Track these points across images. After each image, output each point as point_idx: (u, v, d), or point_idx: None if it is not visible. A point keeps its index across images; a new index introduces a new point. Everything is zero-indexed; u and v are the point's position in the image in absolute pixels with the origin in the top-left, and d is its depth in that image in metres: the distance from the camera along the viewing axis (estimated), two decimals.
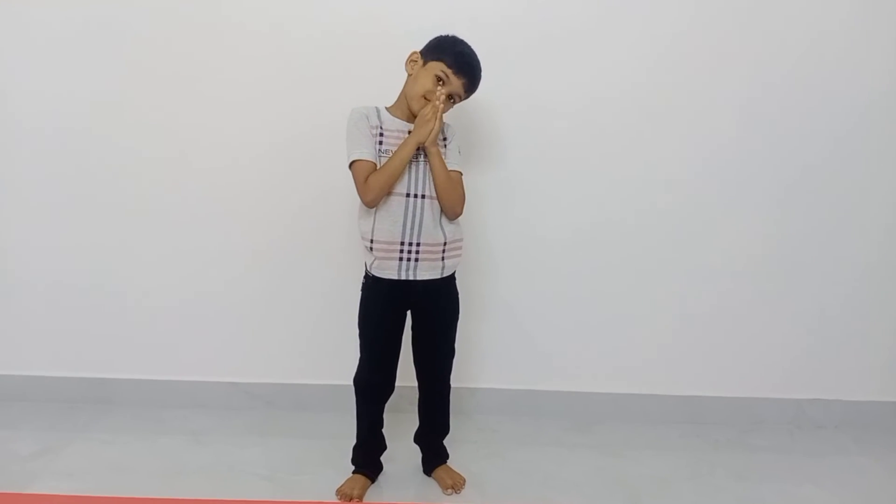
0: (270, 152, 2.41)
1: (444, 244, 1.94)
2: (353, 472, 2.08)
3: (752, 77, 2.38)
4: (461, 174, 1.97)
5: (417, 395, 2.11)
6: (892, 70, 2.38)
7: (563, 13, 2.34)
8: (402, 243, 1.89)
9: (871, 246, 2.50)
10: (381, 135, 1.89)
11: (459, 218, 1.98)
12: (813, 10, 2.35)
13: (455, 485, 2.07)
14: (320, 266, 2.47)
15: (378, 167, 1.87)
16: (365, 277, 1.99)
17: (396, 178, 1.85)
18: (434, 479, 2.12)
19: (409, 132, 1.88)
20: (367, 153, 1.87)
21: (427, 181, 1.90)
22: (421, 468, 2.17)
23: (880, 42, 2.37)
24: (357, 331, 2.01)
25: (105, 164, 2.41)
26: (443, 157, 1.91)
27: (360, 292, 2.00)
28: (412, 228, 1.89)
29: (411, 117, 1.91)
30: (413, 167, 1.89)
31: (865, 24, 2.35)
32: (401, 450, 2.20)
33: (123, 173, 2.42)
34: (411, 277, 1.92)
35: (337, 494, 2.02)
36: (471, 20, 2.24)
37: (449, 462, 2.16)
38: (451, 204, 1.92)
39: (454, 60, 1.86)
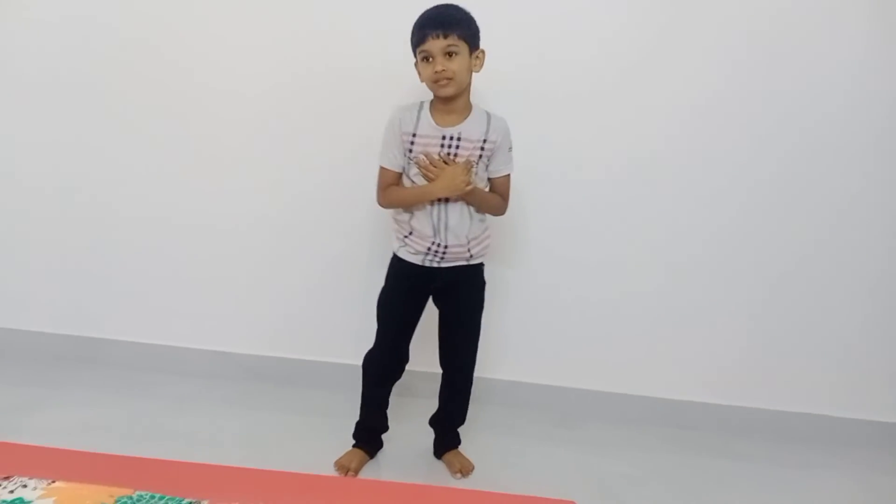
0: (278, 123, 2.38)
1: (469, 244, 1.95)
2: (353, 446, 2.08)
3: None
4: (509, 176, 1.97)
5: (440, 382, 2.11)
6: None
7: None
8: (434, 243, 1.91)
9: (864, 258, 2.48)
10: (412, 142, 1.87)
11: (482, 213, 1.97)
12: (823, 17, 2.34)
13: (463, 469, 2.07)
14: (317, 243, 2.44)
15: (398, 175, 1.90)
16: (393, 256, 2.00)
17: (411, 206, 1.90)
18: (443, 461, 2.12)
19: (443, 137, 1.85)
20: (393, 163, 1.89)
21: None
22: (423, 451, 2.16)
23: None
24: (374, 311, 2.02)
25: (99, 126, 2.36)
26: (485, 169, 1.91)
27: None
28: (440, 231, 1.90)
29: (448, 112, 1.86)
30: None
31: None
32: (406, 432, 2.19)
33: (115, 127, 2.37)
34: (435, 265, 1.94)
35: (335, 466, 2.02)
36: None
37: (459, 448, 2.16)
38: (496, 213, 1.99)
39: (415, 37, 1.80)
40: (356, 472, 2.02)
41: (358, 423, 2.10)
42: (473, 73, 1.85)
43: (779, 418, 2.57)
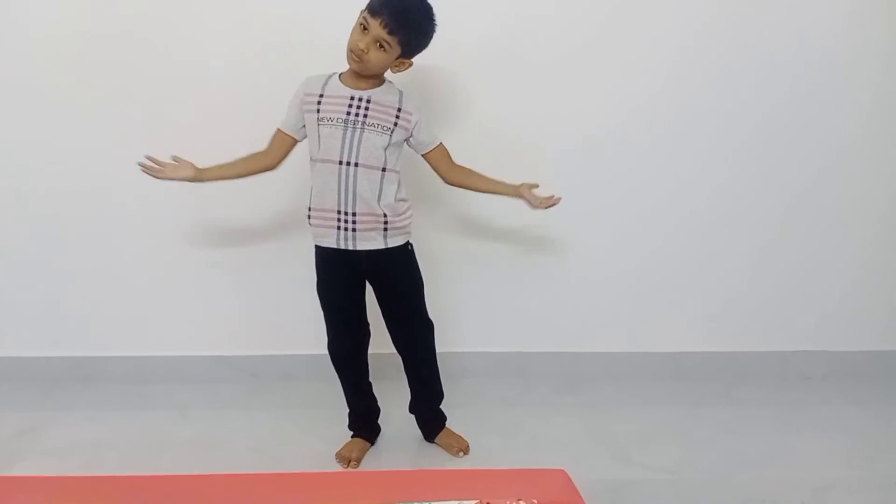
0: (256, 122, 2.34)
1: (385, 219, 1.87)
2: (352, 436, 2.09)
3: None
4: (442, 144, 1.96)
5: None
6: None
7: None
8: (339, 212, 1.85)
9: (859, 197, 2.49)
10: (320, 102, 1.84)
11: (402, 191, 1.93)
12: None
13: (462, 447, 2.08)
14: (300, 235, 2.43)
15: (295, 135, 1.89)
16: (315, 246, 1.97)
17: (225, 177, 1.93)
18: (439, 444, 2.13)
19: (352, 98, 1.83)
20: (286, 124, 1.90)
21: (360, 149, 1.82)
22: (418, 433, 2.17)
23: None
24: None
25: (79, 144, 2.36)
26: (416, 135, 1.90)
27: None
28: (346, 197, 1.83)
29: (357, 80, 1.84)
30: (348, 134, 1.82)
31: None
32: (400, 417, 2.19)
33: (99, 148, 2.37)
34: (351, 247, 1.88)
35: (336, 458, 2.03)
36: None
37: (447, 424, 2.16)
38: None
39: (374, 2, 1.75)
40: (358, 461, 2.03)
41: (349, 413, 2.11)
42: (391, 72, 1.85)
43: (777, 359, 2.59)
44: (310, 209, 1.88)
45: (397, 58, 1.80)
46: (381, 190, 1.86)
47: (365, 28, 1.75)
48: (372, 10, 1.74)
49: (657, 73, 2.37)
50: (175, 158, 1.86)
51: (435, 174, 2.00)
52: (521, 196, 1.96)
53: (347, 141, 1.82)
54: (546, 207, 1.95)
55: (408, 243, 1.97)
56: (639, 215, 2.48)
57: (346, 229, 1.85)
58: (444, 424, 2.15)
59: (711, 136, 2.43)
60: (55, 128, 2.35)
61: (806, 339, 2.58)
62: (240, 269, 2.48)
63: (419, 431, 2.16)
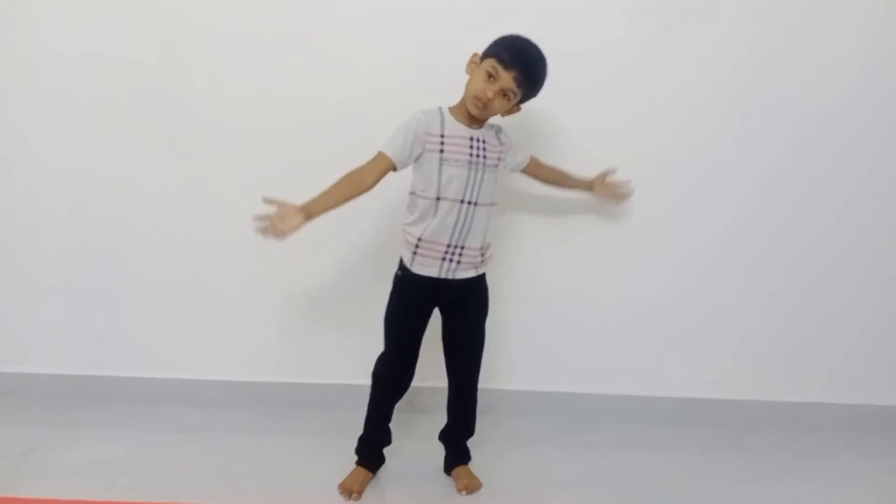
0: (276, 145, 2.39)
1: (482, 248, 1.98)
2: (356, 464, 2.09)
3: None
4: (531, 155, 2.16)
5: (447, 394, 2.11)
6: None
7: None
8: (449, 245, 1.92)
9: (872, 248, 2.49)
10: (443, 143, 1.88)
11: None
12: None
13: (469, 486, 2.07)
14: (316, 264, 2.46)
15: (399, 165, 1.87)
16: (400, 270, 1.99)
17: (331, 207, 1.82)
18: (452, 477, 2.12)
19: (472, 138, 1.89)
20: (398, 154, 1.86)
21: (482, 189, 1.91)
22: (430, 468, 2.16)
23: None
24: (376, 330, 2.03)
25: (95, 166, 2.40)
26: (512, 159, 2.07)
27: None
28: (460, 233, 1.91)
29: (471, 120, 1.91)
30: (472, 173, 1.89)
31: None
32: (413, 449, 2.21)
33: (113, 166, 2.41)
34: (450, 277, 1.95)
35: (339, 489, 2.02)
36: None
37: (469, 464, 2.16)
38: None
39: (505, 53, 1.82)
40: (360, 493, 2.02)
41: (362, 438, 2.10)
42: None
43: (789, 409, 2.56)
44: (420, 240, 1.91)
45: (514, 106, 1.91)
46: (488, 224, 1.98)
47: (492, 77, 1.81)
48: (503, 61, 1.81)
49: (670, 114, 2.39)
50: (269, 201, 1.75)
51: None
52: (592, 190, 2.27)
53: (471, 181, 1.89)
54: (620, 198, 2.26)
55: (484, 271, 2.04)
56: (652, 258, 2.49)
57: (451, 261, 1.93)
58: (468, 462, 2.15)
59: (724, 179, 2.44)
60: (89, 152, 2.40)
61: (818, 390, 2.56)
62: (254, 296, 2.49)
63: (427, 467, 2.16)
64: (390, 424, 2.12)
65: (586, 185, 2.27)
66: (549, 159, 2.25)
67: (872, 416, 2.56)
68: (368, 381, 2.07)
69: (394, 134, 1.88)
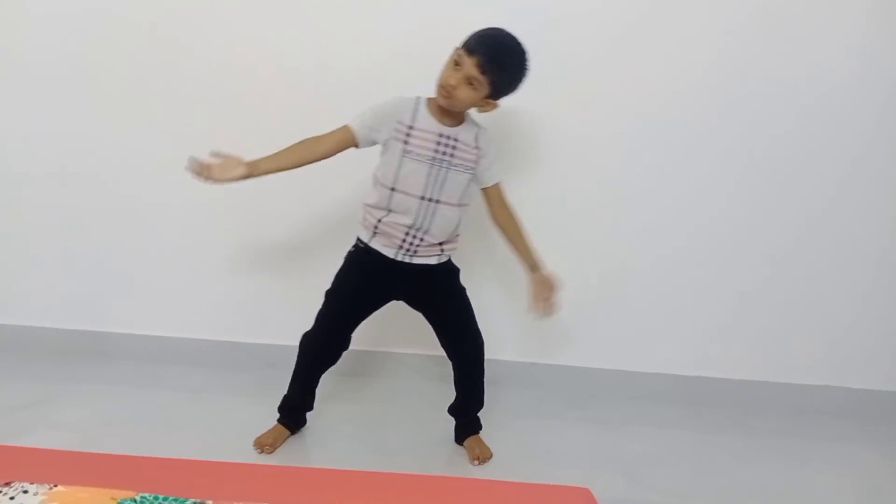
0: (277, 116, 2.33)
1: (443, 243, 1.95)
2: (277, 421, 2.09)
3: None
4: (500, 184, 1.97)
5: (452, 373, 2.11)
6: None
7: None
8: (407, 235, 1.89)
9: (883, 233, 2.45)
10: (409, 134, 1.84)
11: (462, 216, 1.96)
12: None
13: (481, 456, 2.07)
14: (324, 230, 2.43)
15: (361, 143, 1.84)
16: (355, 246, 1.97)
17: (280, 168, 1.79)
18: (464, 447, 2.13)
19: (440, 135, 1.84)
20: (362, 131, 1.83)
21: (444, 188, 1.86)
22: (440, 438, 2.17)
23: None
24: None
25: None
26: (482, 170, 1.91)
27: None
28: (419, 228, 1.89)
29: (445, 115, 1.85)
30: (433, 172, 1.85)
31: None
32: (422, 419, 2.21)
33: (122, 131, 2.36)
34: (406, 261, 1.92)
35: (254, 444, 2.03)
36: None
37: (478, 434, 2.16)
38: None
39: (471, 40, 1.77)
40: (272, 448, 2.02)
41: (285, 398, 2.10)
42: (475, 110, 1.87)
43: (796, 392, 2.55)
44: (380, 221, 1.89)
45: (485, 98, 1.81)
46: (455, 223, 1.93)
47: (458, 64, 1.76)
48: (468, 47, 1.76)
49: (662, 93, 2.34)
50: (216, 154, 1.72)
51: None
52: (530, 277, 2.02)
53: (432, 179, 1.85)
54: (542, 310, 2.01)
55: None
56: (657, 235, 2.45)
57: (407, 250, 1.91)
58: (478, 431, 2.16)
59: (719, 163, 2.41)
60: (82, 115, 2.36)
61: (826, 374, 2.55)
62: (264, 258, 2.47)
63: (437, 437, 2.17)
64: (398, 394, 2.14)
65: (528, 265, 2.04)
66: (534, 144, 2.18)
67: (880, 402, 2.54)
68: None
69: (364, 110, 1.85)
